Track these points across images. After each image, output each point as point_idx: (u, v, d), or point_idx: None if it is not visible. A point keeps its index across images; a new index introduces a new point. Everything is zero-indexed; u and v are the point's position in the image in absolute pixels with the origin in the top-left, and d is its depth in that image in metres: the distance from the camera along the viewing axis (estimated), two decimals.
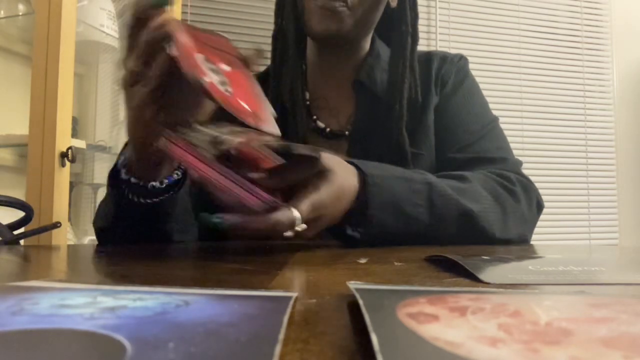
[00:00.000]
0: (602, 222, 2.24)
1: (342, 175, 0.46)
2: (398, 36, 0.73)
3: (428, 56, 0.78)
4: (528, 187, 0.64)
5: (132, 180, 0.48)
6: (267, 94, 0.47)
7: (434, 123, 0.73)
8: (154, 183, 0.49)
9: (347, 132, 0.73)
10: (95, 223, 0.59)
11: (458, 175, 0.59)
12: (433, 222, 0.52)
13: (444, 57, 0.78)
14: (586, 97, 2.25)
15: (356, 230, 0.49)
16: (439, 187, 0.54)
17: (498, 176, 0.63)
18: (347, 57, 0.75)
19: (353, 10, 0.66)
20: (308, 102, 0.74)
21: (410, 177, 0.53)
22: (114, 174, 0.51)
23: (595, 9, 2.29)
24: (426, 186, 0.53)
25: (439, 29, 2.06)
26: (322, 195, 0.43)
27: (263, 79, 0.70)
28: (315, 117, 0.74)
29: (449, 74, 0.75)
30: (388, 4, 0.72)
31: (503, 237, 0.58)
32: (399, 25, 0.73)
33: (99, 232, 0.58)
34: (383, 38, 0.78)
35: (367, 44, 0.76)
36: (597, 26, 2.28)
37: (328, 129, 0.73)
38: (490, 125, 0.73)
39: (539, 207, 0.67)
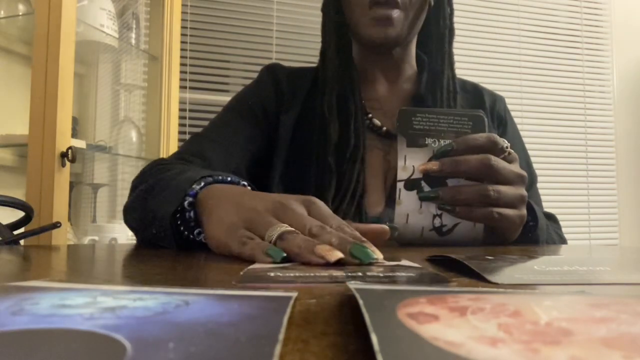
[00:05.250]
0: (602, 222, 2.24)
1: None
2: (437, 30, 0.77)
3: (475, 87, 0.82)
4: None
5: (199, 239, 0.45)
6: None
7: None
8: None
9: None
10: (128, 221, 0.58)
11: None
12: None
13: (493, 94, 0.83)
14: (586, 97, 2.25)
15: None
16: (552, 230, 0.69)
17: (558, 234, 0.71)
18: (396, 60, 0.77)
19: (406, 12, 0.69)
20: (363, 101, 0.76)
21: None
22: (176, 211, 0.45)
23: (595, 9, 2.29)
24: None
25: None
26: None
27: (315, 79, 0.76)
28: (370, 115, 0.75)
29: (501, 113, 0.80)
30: (428, 4, 0.74)
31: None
32: (437, 20, 0.77)
33: (131, 228, 0.58)
34: (420, 42, 0.81)
35: (413, 50, 0.79)
36: (597, 26, 2.29)
37: (384, 128, 0.74)
38: (536, 180, 0.79)
39: None
